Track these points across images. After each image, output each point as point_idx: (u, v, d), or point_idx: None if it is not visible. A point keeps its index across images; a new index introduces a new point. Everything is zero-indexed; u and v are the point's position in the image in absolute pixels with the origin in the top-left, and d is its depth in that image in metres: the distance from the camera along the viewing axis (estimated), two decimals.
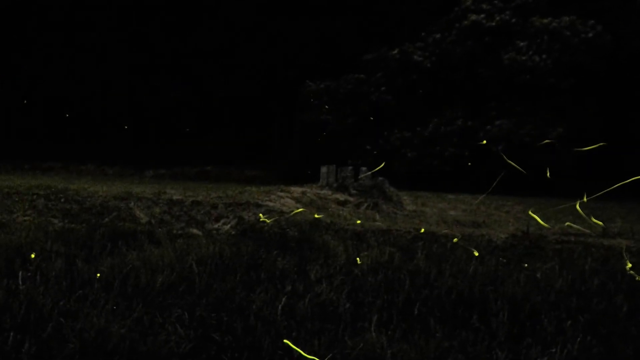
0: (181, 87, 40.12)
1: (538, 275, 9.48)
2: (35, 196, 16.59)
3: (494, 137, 27.26)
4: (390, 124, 31.43)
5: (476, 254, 10.06)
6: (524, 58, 28.08)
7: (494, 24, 28.97)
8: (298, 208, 15.52)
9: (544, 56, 27.93)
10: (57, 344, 6.61)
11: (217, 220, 14.39)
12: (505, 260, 10.54)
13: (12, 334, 6.61)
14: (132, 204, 15.70)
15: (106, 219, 14.10)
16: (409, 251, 10.65)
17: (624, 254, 10.50)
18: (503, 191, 24.90)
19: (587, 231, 13.47)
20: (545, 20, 28.06)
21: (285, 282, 9.02)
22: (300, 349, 6.36)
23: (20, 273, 8.18)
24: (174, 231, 12.62)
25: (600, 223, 12.13)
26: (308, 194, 18.45)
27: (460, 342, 7.46)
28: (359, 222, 13.78)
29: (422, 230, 12.51)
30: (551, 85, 27.57)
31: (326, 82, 34.94)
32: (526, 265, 10.25)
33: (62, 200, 16.42)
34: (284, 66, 36.99)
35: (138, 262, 9.22)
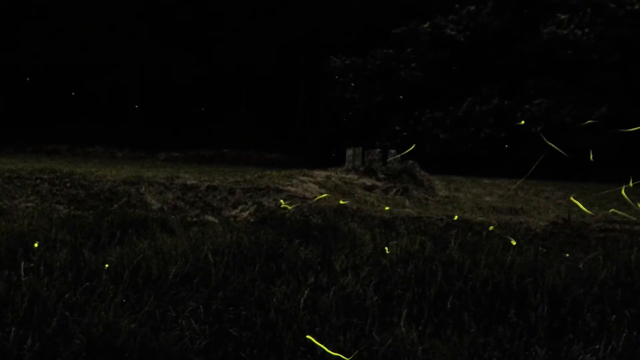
0: (196, 64, 39.53)
1: (580, 266, 9.30)
2: (38, 181, 16.52)
3: (532, 117, 26.71)
4: (421, 103, 31.00)
5: (514, 243, 9.87)
6: (565, 32, 27.33)
7: None
8: (322, 193, 15.46)
9: (586, 30, 27.14)
10: (62, 339, 6.53)
11: (234, 206, 14.41)
12: (544, 250, 10.35)
13: (13, 329, 6.60)
14: (143, 189, 15.77)
15: (115, 206, 14.13)
16: (441, 240, 10.51)
17: None
18: (542, 176, 24.44)
19: (634, 218, 13.13)
20: None
21: (308, 273, 8.94)
22: (324, 346, 6.25)
23: (22, 264, 8.17)
24: (188, 218, 12.63)
25: None
26: (332, 179, 18.38)
27: (496, 338, 7.34)
28: (387, 208, 13.67)
29: (456, 217, 12.35)
30: (594, 61, 26.81)
31: (352, 58, 34.59)
32: (567, 255, 10.02)
33: (68, 185, 16.48)
34: (306, 41, 36.38)
35: (149, 251, 9.21)
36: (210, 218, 12.69)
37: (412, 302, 7.83)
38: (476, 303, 8.04)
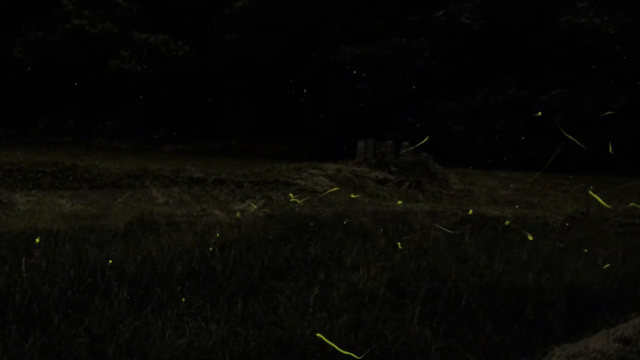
0: (200, 53, 38.93)
1: (599, 261, 9.24)
2: (40, 174, 16.53)
3: (549, 109, 26.42)
4: (435, 93, 30.71)
5: (530, 238, 9.80)
6: (583, 20, 26.96)
7: None
8: (332, 187, 15.42)
9: (605, 18, 26.74)
10: (64, 338, 6.48)
11: (242, 200, 14.40)
12: (562, 245, 10.28)
13: (14, 326, 6.59)
14: (148, 183, 15.79)
15: (119, 199, 14.18)
16: (455, 235, 10.45)
17: None
18: (560, 169, 24.23)
19: None
20: None
21: (318, 269, 8.93)
22: (335, 344, 6.18)
23: (23, 259, 8.04)
24: (195, 213, 12.60)
25: None
26: (343, 172, 18.33)
27: (512, 337, 7.32)
28: (400, 202, 13.60)
29: (470, 211, 12.27)
30: (614, 50, 26.43)
31: (363, 46, 34.29)
32: (585, 250, 9.98)
33: (70, 178, 16.47)
34: (316, 29, 36.01)
35: (155, 247, 9.21)
36: (218, 212, 12.69)
37: (426, 300, 7.79)
38: (491, 300, 7.99)
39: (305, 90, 32.06)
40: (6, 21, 36.05)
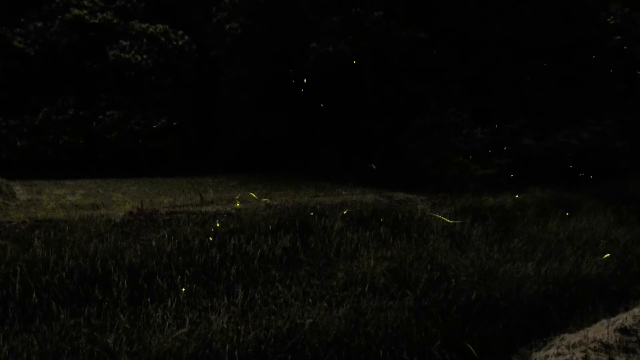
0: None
1: (153, 243, 9.48)
2: None
3: (106, 126, 26.10)
4: None
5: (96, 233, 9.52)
6: (127, 56, 27.55)
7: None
8: None
9: (144, 56, 28.11)
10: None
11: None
12: (124, 235, 10.30)
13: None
14: None
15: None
16: (24, 241, 9.22)
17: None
18: (121, 174, 24.27)
19: (195, 202, 14.35)
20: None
21: None
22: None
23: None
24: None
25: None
26: None
27: (85, 318, 7.02)
28: None
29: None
30: (152, 82, 28.09)
31: None
32: (142, 237, 10.22)
33: None
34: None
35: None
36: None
37: None
38: (65, 291, 7.46)
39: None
40: (6, 11, 27.80)
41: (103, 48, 27.47)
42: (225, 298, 7.82)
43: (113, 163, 25.93)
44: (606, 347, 7.20)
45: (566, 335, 7.99)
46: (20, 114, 26.05)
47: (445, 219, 12.24)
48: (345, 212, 12.00)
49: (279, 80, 26.67)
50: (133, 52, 27.69)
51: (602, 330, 7.63)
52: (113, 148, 26.17)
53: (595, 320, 8.86)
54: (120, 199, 16.00)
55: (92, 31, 27.49)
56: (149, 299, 7.57)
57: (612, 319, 8.41)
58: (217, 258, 8.86)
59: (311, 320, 7.23)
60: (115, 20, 28.17)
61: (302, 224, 10.79)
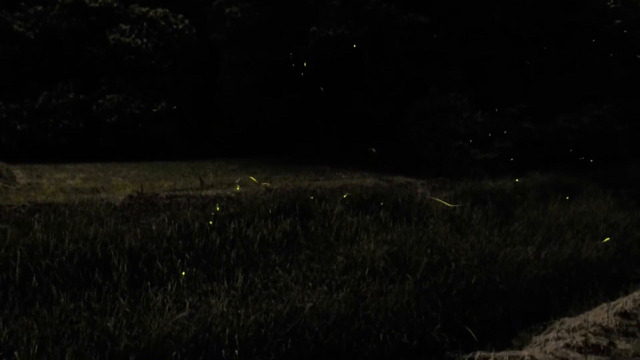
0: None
1: (153, 227, 9.32)
2: None
3: (106, 110, 25.80)
4: None
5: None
6: (127, 40, 27.18)
7: None
8: None
9: (144, 40, 27.71)
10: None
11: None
12: (123, 219, 10.18)
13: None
14: None
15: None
16: (25, 225, 9.10)
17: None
18: (121, 158, 24.09)
19: (195, 186, 14.24)
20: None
21: None
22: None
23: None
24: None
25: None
26: None
27: (85, 301, 6.93)
28: None
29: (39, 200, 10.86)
30: (152, 66, 27.74)
31: None
32: (142, 221, 10.08)
33: None
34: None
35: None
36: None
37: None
38: (65, 275, 7.36)
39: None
40: None
41: (103, 32, 26.99)
42: (225, 282, 7.75)
43: (113, 147, 25.67)
44: (606, 331, 7.25)
45: (566, 319, 8.19)
46: (20, 97, 25.69)
47: (445, 203, 12.15)
48: (345, 196, 11.88)
49: (279, 64, 26.26)
50: (133, 36, 27.23)
51: (602, 314, 7.62)
52: (113, 132, 25.91)
53: (595, 304, 8.90)
54: (121, 182, 15.88)
55: (92, 15, 26.98)
56: (149, 283, 7.48)
57: (612, 303, 8.42)
58: (217, 242, 8.76)
59: (311, 304, 7.17)
60: (115, 4, 27.64)
61: (302, 207, 10.67)
